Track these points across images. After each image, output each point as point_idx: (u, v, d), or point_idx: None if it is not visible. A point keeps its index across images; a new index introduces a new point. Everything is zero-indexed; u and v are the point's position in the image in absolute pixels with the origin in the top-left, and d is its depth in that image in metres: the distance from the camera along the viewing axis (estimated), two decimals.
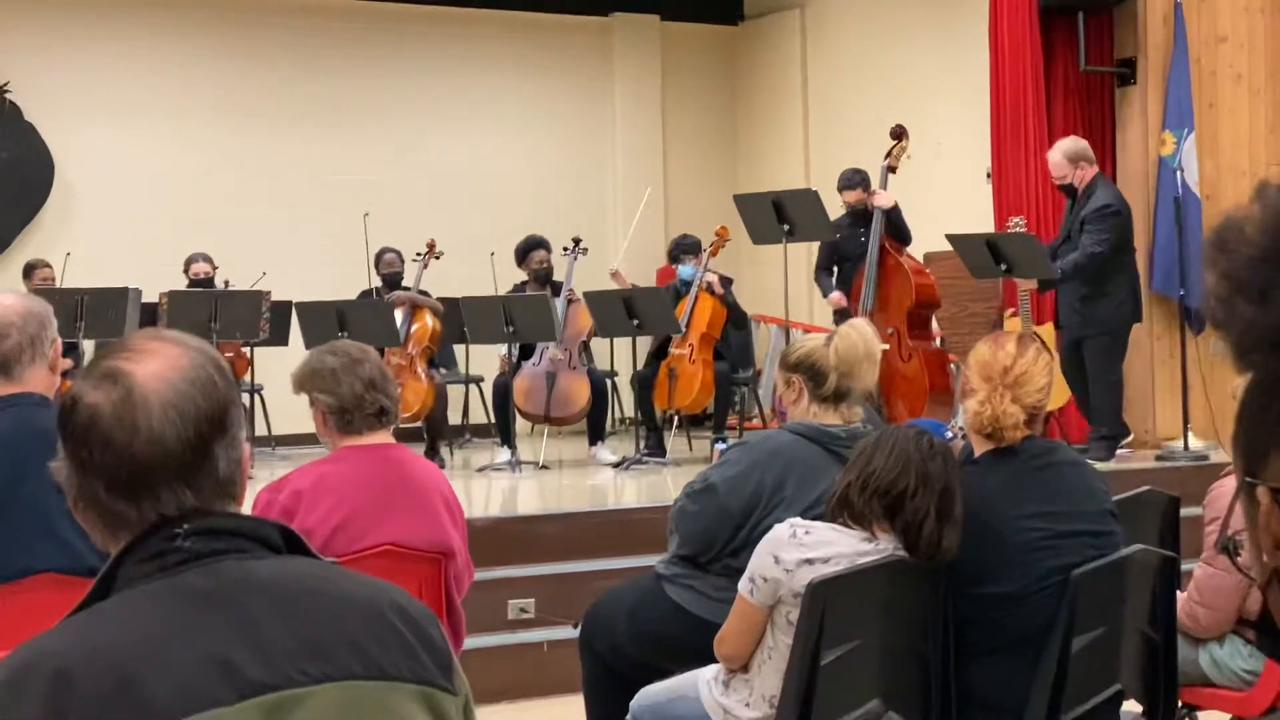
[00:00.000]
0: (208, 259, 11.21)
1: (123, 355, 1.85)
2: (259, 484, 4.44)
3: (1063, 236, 9.25)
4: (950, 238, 9.36)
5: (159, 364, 1.84)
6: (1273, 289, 1.27)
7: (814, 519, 3.98)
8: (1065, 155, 9.21)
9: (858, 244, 9.92)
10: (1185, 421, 9.48)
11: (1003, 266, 8.97)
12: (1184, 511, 5.07)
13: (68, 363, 9.69)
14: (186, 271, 11.16)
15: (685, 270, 10.63)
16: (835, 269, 10.15)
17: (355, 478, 4.18)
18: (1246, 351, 1.33)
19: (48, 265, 11.04)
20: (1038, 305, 9.60)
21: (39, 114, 12.36)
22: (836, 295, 9.88)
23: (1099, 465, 8.87)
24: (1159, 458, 9.37)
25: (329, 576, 1.89)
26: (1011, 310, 9.55)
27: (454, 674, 1.90)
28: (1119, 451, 9.47)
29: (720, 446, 9.22)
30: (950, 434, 6.64)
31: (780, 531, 3.88)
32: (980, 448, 4.05)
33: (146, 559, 1.81)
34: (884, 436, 3.95)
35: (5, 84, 12.28)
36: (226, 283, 10.97)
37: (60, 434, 1.84)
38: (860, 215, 9.97)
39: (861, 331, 4.62)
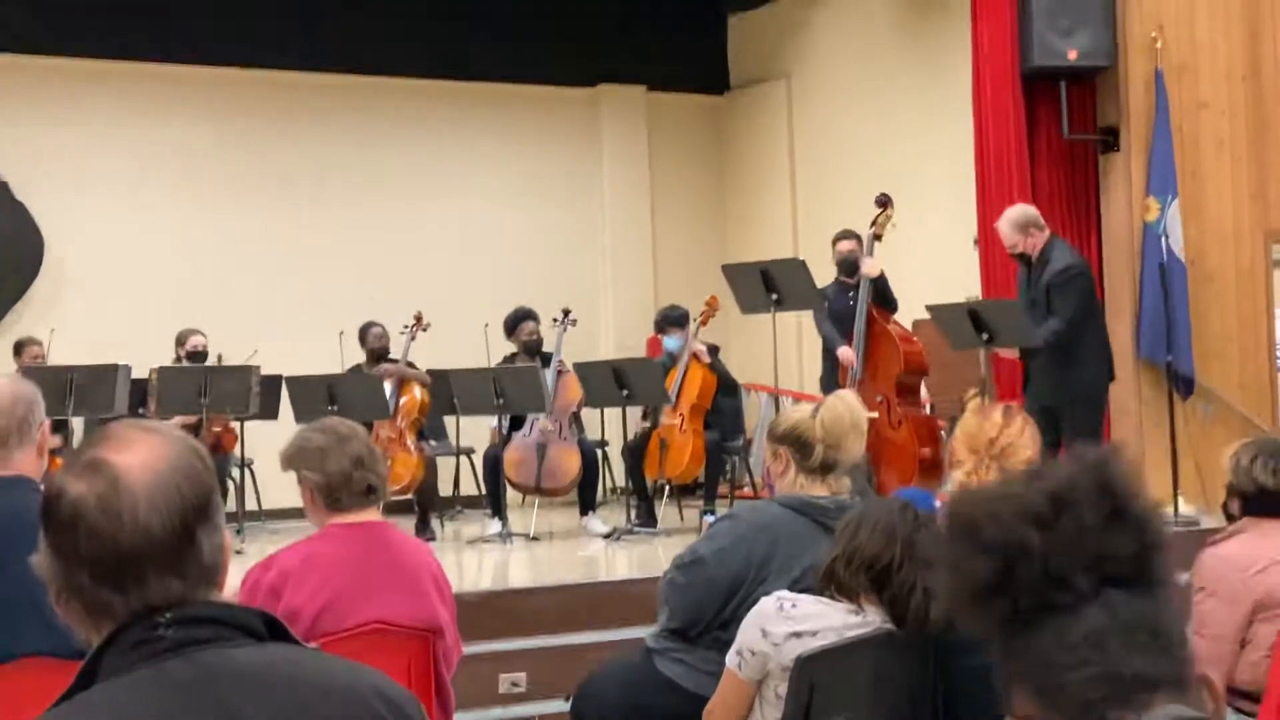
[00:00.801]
0: (201, 333, 11.23)
1: (106, 445, 1.87)
2: (249, 558, 4.45)
3: (1026, 305, 9.12)
4: (931, 309, 9.37)
5: (142, 453, 1.85)
6: (946, 564, 1.63)
7: (801, 591, 3.98)
8: (1013, 225, 9.13)
9: (846, 312, 9.96)
10: (1175, 487, 9.49)
11: (984, 336, 8.91)
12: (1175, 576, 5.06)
13: (56, 441, 9.73)
14: (183, 345, 11.16)
15: (671, 342, 10.64)
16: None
17: (343, 556, 4.18)
18: (959, 616, 1.63)
19: (38, 343, 11.05)
20: (1000, 379, 9.60)
21: (28, 191, 12.40)
22: (846, 351, 9.84)
23: None
24: None
25: (311, 664, 1.89)
26: (974, 392, 9.52)
27: None
28: None
29: (710, 519, 9.24)
30: (939, 503, 6.65)
31: (767, 605, 3.88)
32: None
33: (129, 648, 1.81)
34: (869, 510, 3.96)
35: None
36: (220, 357, 10.98)
37: (43, 525, 1.85)
38: (847, 285, 10.01)
39: (848, 403, 4.63)
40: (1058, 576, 1.61)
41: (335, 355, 11.60)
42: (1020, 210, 9.31)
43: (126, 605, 1.83)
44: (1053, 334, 8.89)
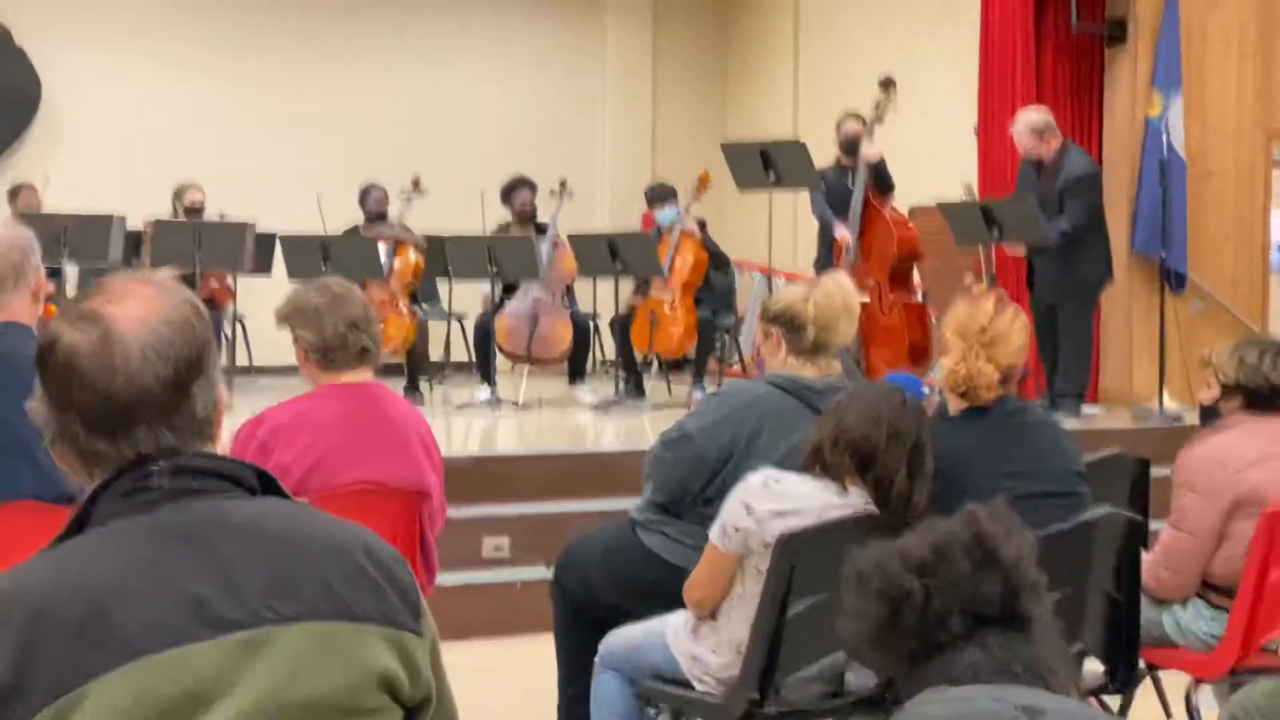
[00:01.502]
0: (199, 188, 11.18)
1: (101, 297, 1.88)
2: (240, 414, 4.46)
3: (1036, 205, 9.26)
4: (941, 207, 9.41)
5: (137, 306, 1.86)
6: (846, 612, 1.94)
7: (788, 470, 4.01)
8: (1030, 129, 9.26)
9: (843, 195, 9.94)
10: (1161, 382, 9.53)
11: (994, 232, 9.05)
12: (1156, 472, 5.10)
13: (50, 288, 9.73)
14: (180, 199, 11.12)
15: (665, 215, 10.60)
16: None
17: (334, 415, 4.21)
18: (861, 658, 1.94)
19: (33, 188, 11.01)
20: (1001, 270, 9.65)
21: (29, 38, 12.31)
22: (843, 231, 9.86)
23: (1069, 421, 8.97)
24: (1135, 417, 9.44)
25: (301, 518, 1.92)
26: (972, 277, 9.58)
27: (422, 617, 1.94)
28: (1092, 411, 9.54)
29: (698, 395, 9.27)
30: (926, 389, 6.69)
31: (753, 481, 3.91)
32: (954, 406, 4.09)
33: (122, 496, 1.83)
34: (858, 392, 3.99)
35: None
36: (223, 215, 10.93)
37: (38, 374, 1.86)
38: (846, 167, 9.99)
39: (841, 285, 4.63)
40: (938, 619, 1.87)
41: (336, 215, 11.55)
42: (1037, 114, 9.38)
43: (118, 454, 1.84)
44: (1060, 234, 9.06)
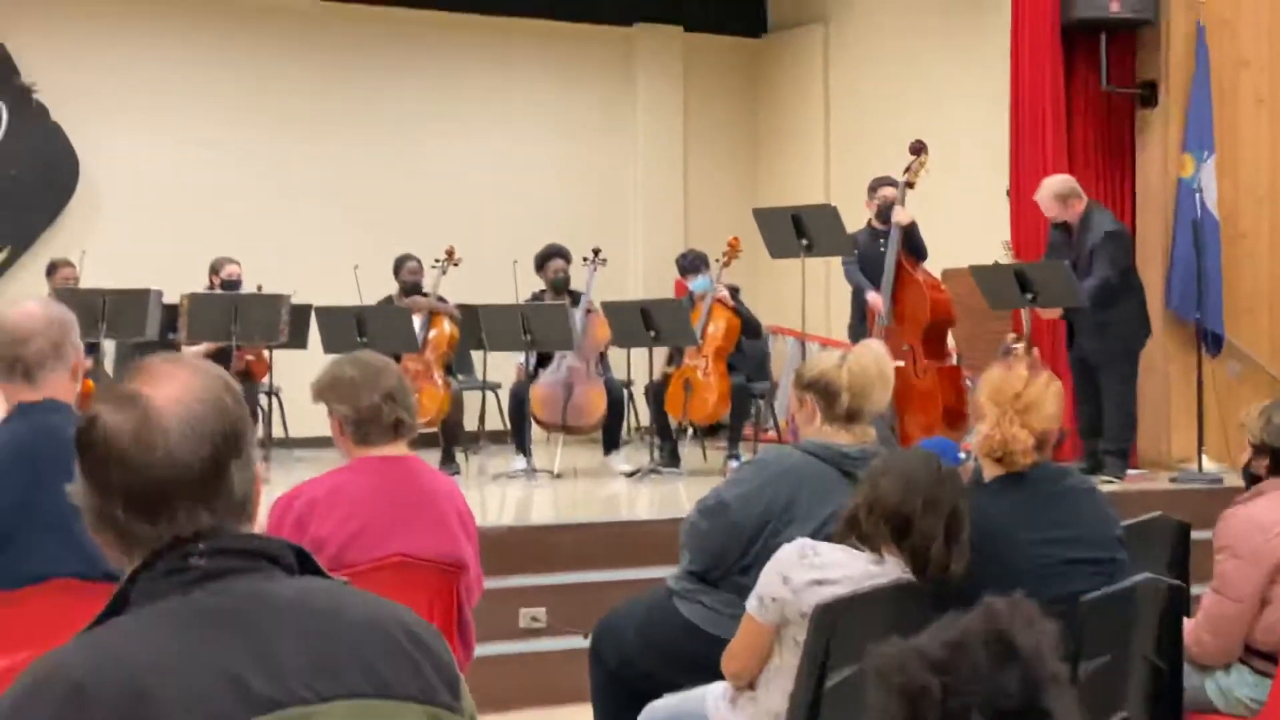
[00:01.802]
0: (236, 261, 11.25)
1: (139, 379, 1.90)
2: (276, 486, 4.48)
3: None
4: (974, 270, 9.44)
5: (175, 387, 1.88)
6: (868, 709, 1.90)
7: (824, 539, 4.01)
8: (1054, 196, 9.38)
9: (875, 258, 9.95)
10: (1200, 444, 9.49)
11: (1029, 296, 9.07)
12: (1196, 535, 5.08)
13: (88, 364, 9.77)
14: (217, 273, 11.18)
15: (698, 283, 10.64)
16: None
17: (370, 489, 4.21)
18: None
19: (71, 264, 11.09)
20: (1036, 329, 9.65)
21: (65, 114, 12.44)
22: (876, 297, 9.87)
23: (1113, 482, 8.94)
24: (1173, 480, 9.38)
25: (340, 596, 1.92)
26: (1014, 336, 9.58)
27: (460, 693, 1.94)
28: (1133, 473, 9.50)
29: (734, 464, 9.27)
30: (964, 454, 6.66)
31: (789, 551, 3.91)
32: (990, 471, 4.08)
33: (161, 576, 1.84)
34: (892, 459, 3.98)
35: (32, 84, 12.35)
36: (260, 287, 11.00)
37: (78, 455, 1.88)
38: (878, 232, 10.01)
39: (875, 353, 4.64)
40: (957, 715, 1.85)
41: (371, 287, 11.60)
42: (1060, 181, 9.47)
43: (157, 535, 1.86)
44: (1093, 291, 9.04)
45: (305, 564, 1.93)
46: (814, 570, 3.84)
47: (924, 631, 2.00)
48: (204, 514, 1.86)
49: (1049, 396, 4.00)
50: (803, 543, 3.94)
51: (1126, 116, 10.48)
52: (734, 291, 10.70)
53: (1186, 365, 9.96)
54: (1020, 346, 9.27)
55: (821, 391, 4.56)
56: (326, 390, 4.31)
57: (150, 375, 1.90)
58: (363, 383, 4.24)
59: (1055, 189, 9.39)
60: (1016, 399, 3.98)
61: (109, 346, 10.43)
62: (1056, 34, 10.24)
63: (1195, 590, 4.80)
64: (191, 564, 1.84)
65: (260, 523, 4.24)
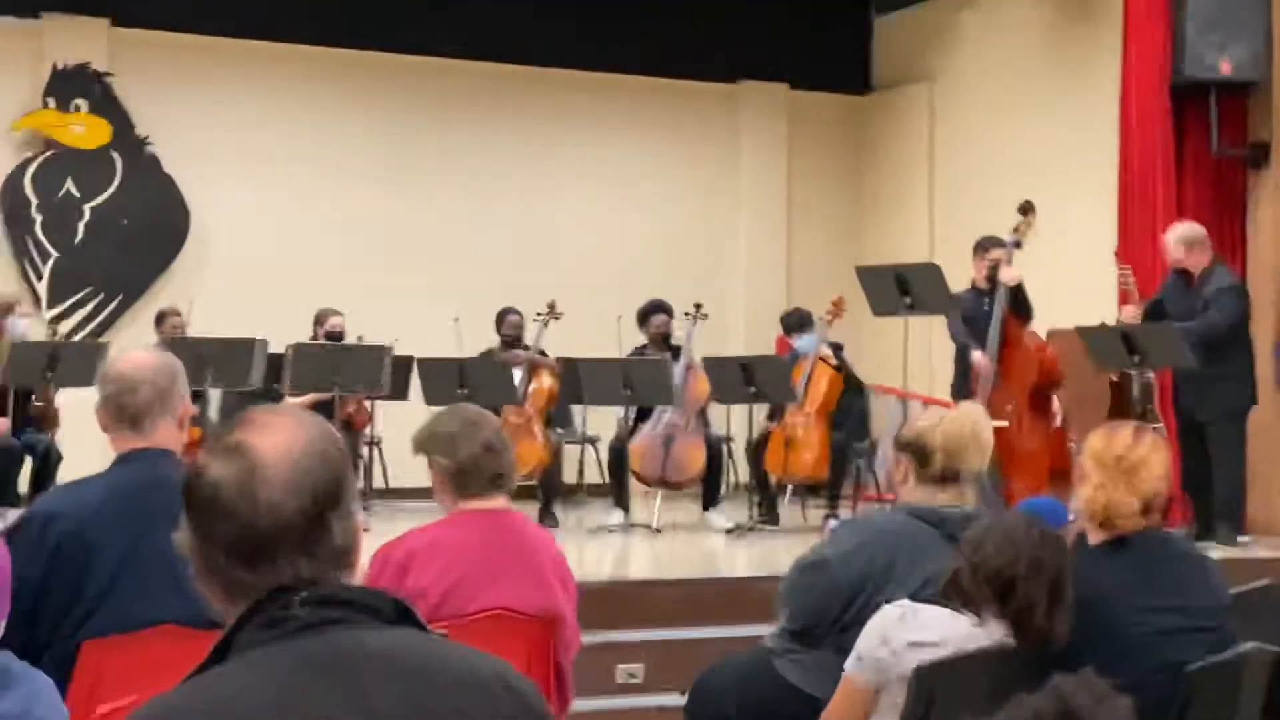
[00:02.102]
0: (340, 313, 11.37)
1: (245, 429, 1.93)
2: (377, 536, 4.51)
3: (1176, 316, 9.25)
4: (1080, 331, 9.35)
5: (279, 438, 1.91)
6: None
7: (923, 601, 3.97)
8: (1182, 239, 9.29)
9: (980, 318, 9.88)
10: None
11: (1135, 358, 8.98)
12: None
13: (194, 411, 9.90)
14: (321, 324, 11.31)
15: (803, 343, 10.63)
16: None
17: (469, 541, 4.24)
18: None
19: (178, 313, 11.26)
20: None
21: (177, 165, 12.66)
22: (982, 358, 9.77)
23: (1225, 549, 8.79)
24: None
25: (439, 648, 1.93)
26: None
27: None
28: (1244, 539, 9.34)
29: (832, 523, 9.22)
30: (1073, 515, 6.59)
31: (890, 613, 3.88)
32: (1095, 536, 4.03)
33: (263, 626, 1.86)
34: (996, 522, 3.95)
35: (146, 136, 12.59)
36: (360, 338, 11.11)
37: (185, 505, 1.91)
38: (983, 290, 9.95)
39: (971, 415, 4.62)
40: None
41: (474, 340, 11.68)
42: (1191, 227, 9.41)
43: (260, 584, 1.88)
44: (1209, 326, 9.02)
45: (404, 616, 1.95)
46: (914, 631, 3.81)
47: (998, 713, 1.98)
48: (304, 563, 1.89)
49: (1154, 459, 3.95)
50: (904, 604, 3.91)
51: (1237, 178, 10.37)
52: (837, 349, 10.67)
53: None
54: (1131, 278, 9.19)
55: (916, 452, 4.55)
56: (426, 442, 4.35)
57: (255, 426, 1.93)
58: (461, 435, 4.27)
59: (1184, 233, 9.31)
60: (1119, 461, 3.94)
61: (214, 395, 10.56)
62: (1166, 94, 10.18)
63: None
64: (293, 613, 1.86)
65: (361, 571, 4.29)
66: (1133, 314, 9.45)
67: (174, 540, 1.93)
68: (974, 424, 4.57)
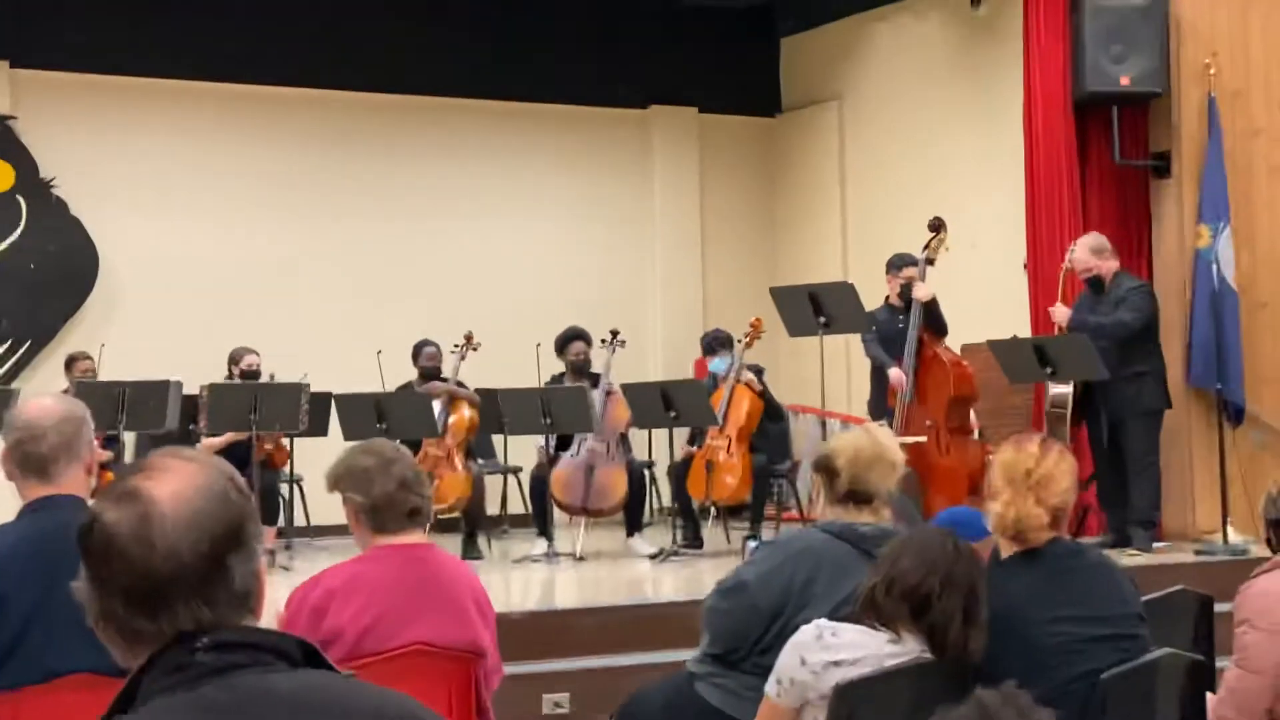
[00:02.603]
0: (255, 352, 11.29)
1: (140, 474, 1.91)
2: (298, 575, 4.49)
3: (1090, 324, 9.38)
4: (991, 344, 9.45)
5: (175, 481, 1.89)
6: None
7: (843, 618, 3.99)
8: (1090, 249, 9.53)
9: (896, 335, 9.95)
10: (1224, 516, 9.44)
11: (1048, 369, 9.08)
12: (1220, 607, 5.04)
13: (106, 455, 9.81)
14: (236, 363, 11.21)
15: (718, 364, 10.67)
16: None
17: (387, 577, 4.21)
18: None
19: (89, 357, 11.15)
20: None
21: (84, 207, 12.52)
22: (898, 373, 9.85)
23: (1140, 555, 8.88)
24: (1198, 552, 9.33)
25: (347, 689, 1.92)
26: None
27: None
28: (1159, 545, 9.45)
29: (752, 544, 9.25)
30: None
31: (807, 633, 3.89)
32: (1006, 549, 4.07)
33: (167, 672, 1.84)
34: (910, 537, 3.98)
35: (52, 179, 12.46)
36: (273, 375, 11.04)
37: (81, 553, 1.89)
38: (897, 308, 10.02)
39: (873, 435, 4.68)
40: None
41: (390, 373, 11.64)
42: (1095, 237, 9.66)
43: (159, 631, 1.86)
44: (1121, 325, 9.22)
45: (311, 658, 1.93)
46: (832, 651, 3.83)
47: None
48: (204, 609, 1.86)
49: (1061, 471, 4.01)
50: (820, 623, 3.93)
51: (1141, 189, 10.50)
52: (758, 372, 10.70)
53: (1209, 437, 9.93)
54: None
55: (825, 471, 4.60)
56: (341, 479, 4.32)
57: (151, 470, 1.91)
58: (376, 471, 4.24)
59: (1090, 242, 9.54)
60: (1028, 475, 3.99)
61: (129, 438, 10.46)
62: (1068, 108, 10.30)
63: (1220, 664, 4.76)
64: (196, 660, 1.84)
65: (278, 613, 4.26)
66: (1064, 314, 9.52)
67: (73, 589, 1.90)
68: (875, 443, 4.63)
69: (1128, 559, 8.65)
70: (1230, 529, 9.42)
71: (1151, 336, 9.46)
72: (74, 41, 12.44)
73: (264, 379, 10.95)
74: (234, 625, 1.89)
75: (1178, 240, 10.26)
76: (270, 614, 4.60)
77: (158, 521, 1.85)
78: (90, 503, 1.94)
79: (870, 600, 3.91)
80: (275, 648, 1.90)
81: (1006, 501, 3.99)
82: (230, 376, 11.10)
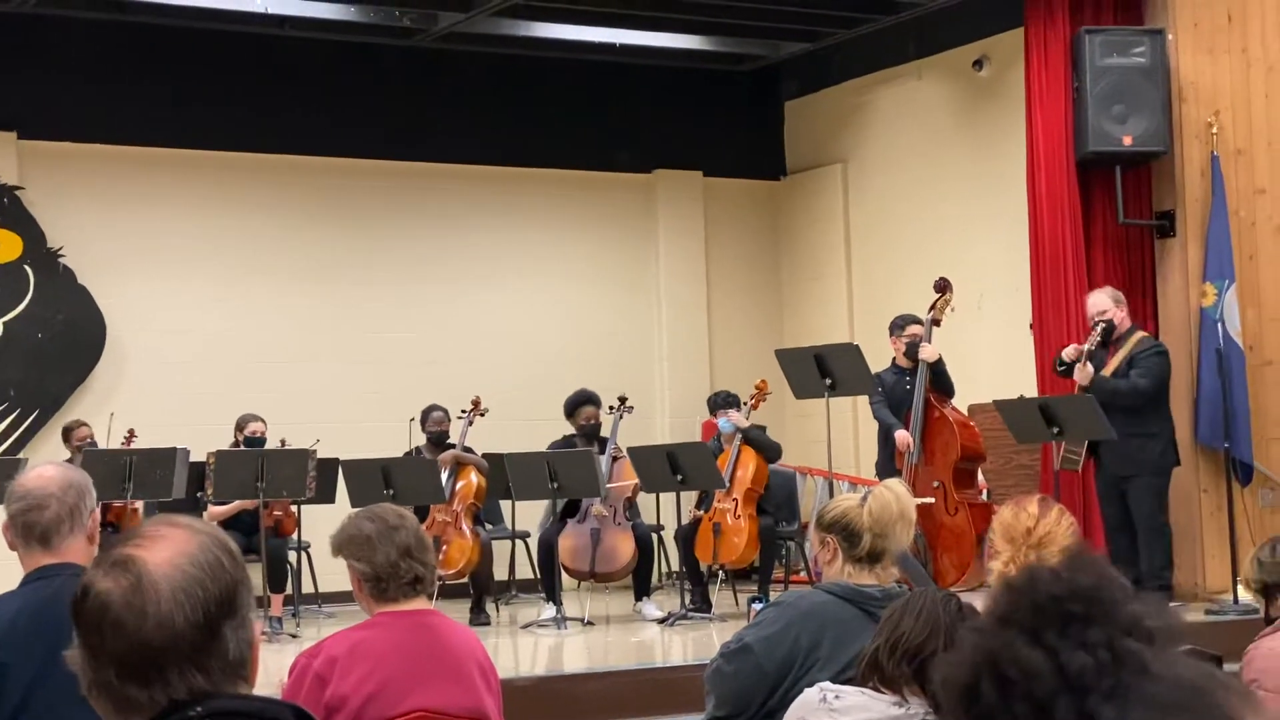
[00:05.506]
0: (260, 419, 11.30)
1: (134, 543, 1.91)
2: (304, 641, 4.48)
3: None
4: (998, 404, 9.44)
5: (168, 550, 1.89)
6: None
7: (848, 681, 3.96)
8: (1108, 295, 9.61)
9: (902, 396, 9.95)
10: (1234, 574, 9.39)
11: (1055, 430, 9.06)
12: (1230, 666, 5.01)
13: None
14: (242, 430, 11.24)
15: (724, 424, 10.67)
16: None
17: (390, 645, 4.19)
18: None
19: (85, 425, 11.17)
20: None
21: (91, 276, 12.56)
22: (904, 435, 9.85)
23: None
24: (1208, 612, 9.28)
25: None
26: None
27: None
28: (1172, 605, 9.40)
29: (757, 606, 9.21)
30: None
31: (810, 696, 3.86)
32: None
33: None
34: (912, 599, 3.95)
35: (59, 248, 12.51)
36: (283, 441, 11.04)
37: (73, 623, 1.89)
38: (904, 369, 10.02)
39: (895, 492, 4.62)
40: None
41: (397, 439, 11.65)
42: (1111, 290, 9.75)
43: (152, 700, 1.86)
44: (1136, 392, 9.23)
45: None
46: (836, 714, 3.79)
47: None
48: (199, 677, 1.86)
49: (1061, 531, 3.99)
50: (824, 686, 3.89)
51: (1145, 248, 10.53)
52: (759, 430, 10.70)
53: (1218, 495, 9.90)
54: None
55: (843, 532, 4.54)
56: (343, 546, 4.31)
57: (144, 539, 1.91)
58: (379, 539, 4.23)
59: (1109, 291, 9.64)
60: (1028, 534, 3.98)
61: (137, 507, 10.44)
62: (1071, 168, 10.33)
63: None
64: None
65: (281, 681, 4.24)
66: (1087, 375, 9.38)
67: (66, 659, 1.90)
68: (899, 500, 4.58)
69: None
70: (1240, 588, 9.36)
71: (1163, 398, 9.46)
72: (80, 112, 12.54)
73: (275, 444, 10.95)
74: (228, 693, 1.88)
75: (1183, 299, 10.26)
76: (275, 681, 4.59)
77: (150, 590, 1.85)
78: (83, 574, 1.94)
79: (874, 662, 3.87)
80: (270, 714, 1.90)
81: (1007, 560, 3.97)
82: (236, 443, 11.11)
